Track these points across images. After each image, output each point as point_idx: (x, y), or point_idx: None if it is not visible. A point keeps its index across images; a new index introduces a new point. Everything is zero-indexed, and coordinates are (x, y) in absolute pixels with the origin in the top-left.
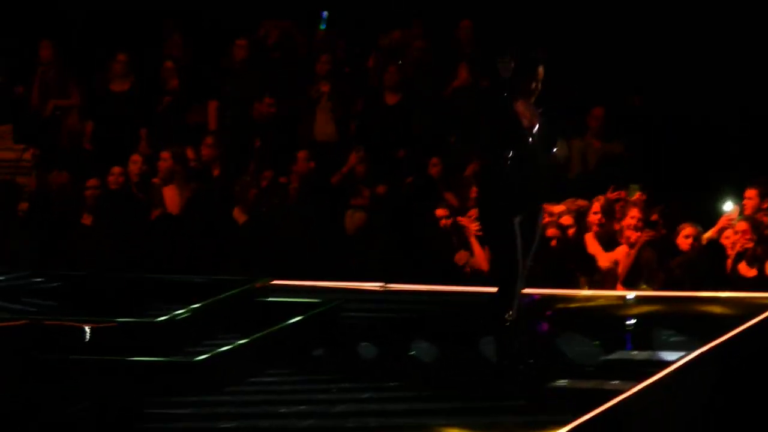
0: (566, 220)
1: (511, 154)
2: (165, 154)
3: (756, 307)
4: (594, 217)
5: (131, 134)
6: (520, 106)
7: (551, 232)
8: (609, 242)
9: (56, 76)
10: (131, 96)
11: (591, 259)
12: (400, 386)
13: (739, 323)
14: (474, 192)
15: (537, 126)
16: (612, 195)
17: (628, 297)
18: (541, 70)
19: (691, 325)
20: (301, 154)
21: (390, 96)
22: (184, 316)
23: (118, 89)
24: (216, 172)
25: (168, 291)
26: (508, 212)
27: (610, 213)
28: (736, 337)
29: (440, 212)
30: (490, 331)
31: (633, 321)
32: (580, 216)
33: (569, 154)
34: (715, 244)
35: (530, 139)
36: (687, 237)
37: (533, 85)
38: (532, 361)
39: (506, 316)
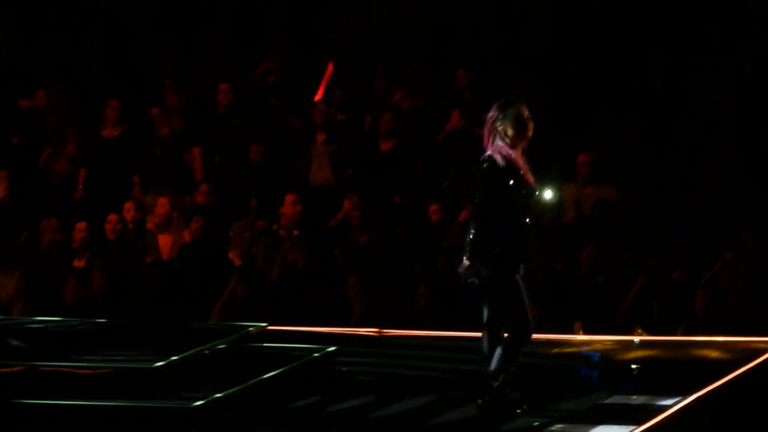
0: (558, 263)
1: (527, 219)
2: (162, 200)
3: (753, 351)
4: (585, 260)
5: (124, 180)
6: (519, 161)
7: (543, 275)
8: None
9: (54, 123)
10: (124, 142)
11: (587, 303)
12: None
13: (735, 367)
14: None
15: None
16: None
17: (635, 341)
18: (524, 108)
19: (687, 369)
20: (289, 197)
21: (384, 143)
22: (180, 361)
23: (109, 135)
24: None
25: (163, 336)
26: (523, 273)
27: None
28: (732, 381)
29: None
30: (489, 376)
31: (636, 366)
32: (571, 259)
33: (561, 200)
34: (714, 287)
35: (534, 198)
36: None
37: (527, 132)
38: (526, 406)
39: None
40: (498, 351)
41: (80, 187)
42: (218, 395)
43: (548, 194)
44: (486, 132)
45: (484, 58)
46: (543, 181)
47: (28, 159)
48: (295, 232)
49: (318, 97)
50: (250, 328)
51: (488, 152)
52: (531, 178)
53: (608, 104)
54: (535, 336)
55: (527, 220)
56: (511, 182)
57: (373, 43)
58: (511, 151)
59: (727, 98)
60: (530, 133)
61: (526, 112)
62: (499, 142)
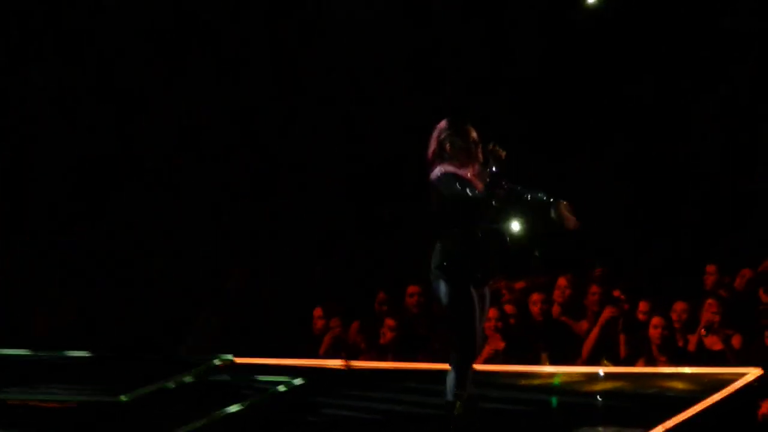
0: (527, 295)
1: (479, 226)
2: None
3: (719, 383)
4: (558, 293)
5: None
6: (471, 175)
7: (511, 308)
8: (574, 318)
9: None
10: None
11: (553, 335)
12: None
13: (701, 399)
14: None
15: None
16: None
17: (600, 373)
18: (470, 129)
19: (653, 400)
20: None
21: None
22: (147, 394)
23: None
24: None
25: (128, 369)
26: (476, 283)
27: (574, 288)
28: (698, 412)
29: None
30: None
31: (600, 398)
32: (542, 292)
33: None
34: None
35: (491, 210)
36: (644, 314)
37: (477, 149)
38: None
39: (461, 392)
40: (449, 377)
41: None
42: (184, 428)
43: (515, 226)
44: (433, 143)
45: (472, 79)
46: (514, 214)
47: None
48: None
49: None
50: (217, 361)
51: (437, 169)
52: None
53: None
54: (501, 367)
55: (480, 232)
56: (464, 194)
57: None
58: (459, 171)
59: (714, 121)
60: (480, 157)
61: (474, 135)
62: (445, 163)
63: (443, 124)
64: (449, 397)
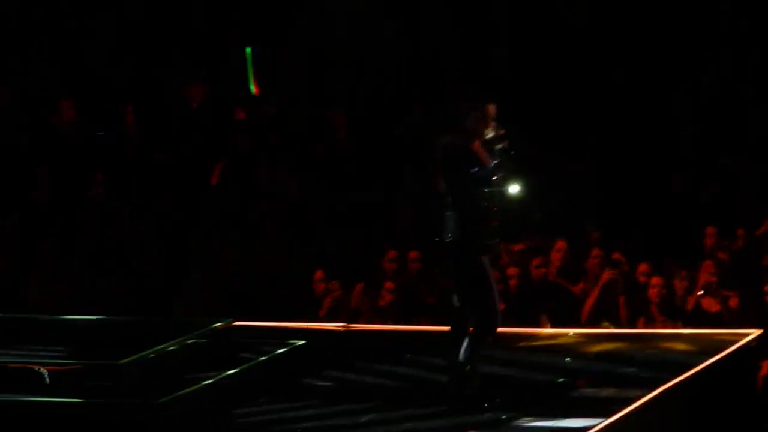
0: (527, 258)
1: (483, 194)
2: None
3: (718, 344)
4: (557, 255)
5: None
6: (478, 148)
7: (512, 270)
8: (571, 280)
9: None
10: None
11: (553, 298)
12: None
13: (701, 360)
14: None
15: (494, 165)
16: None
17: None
18: (492, 108)
19: (653, 361)
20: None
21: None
22: (147, 357)
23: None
24: None
25: (129, 333)
26: (487, 251)
27: (572, 251)
28: (698, 373)
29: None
30: (452, 370)
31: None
32: (541, 254)
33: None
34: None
35: (494, 173)
36: (644, 275)
37: (489, 124)
38: (498, 399)
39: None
40: (465, 342)
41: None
42: (185, 391)
43: (514, 189)
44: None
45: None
46: (510, 176)
47: None
48: None
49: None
50: (217, 324)
51: (448, 139)
52: (488, 161)
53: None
54: (501, 330)
55: (487, 200)
56: (469, 168)
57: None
58: (470, 143)
59: (687, 114)
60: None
61: (493, 113)
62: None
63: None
64: (461, 358)
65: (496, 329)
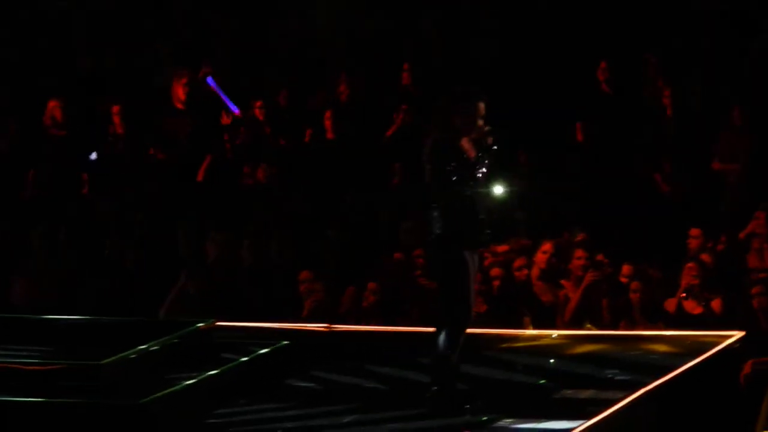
0: (511, 259)
1: (467, 191)
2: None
3: (701, 345)
4: (542, 257)
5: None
6: (465, 143)
7: (495, 271)
8: (554, 282)
9: None
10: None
11: (536, 299)
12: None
13: (684, 362)
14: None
15: (482, 155)
16: (558, 240)
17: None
18: (482, 106)
19: (636, 363)
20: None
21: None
22: (130, 357)
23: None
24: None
25: (111, 333)
26: (469, 247)
27: (557, 253)
28: (680, 375)
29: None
30: (433, 370)
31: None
32: (525, 256)
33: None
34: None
35: (479, 176)
36: (627, 277)
37: (478, 122)
38: (479, 401)
39: (452, 353)
40: (440, 339)
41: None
42: (166, 391)
43: (498, 189)
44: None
45: (431, 69)
46: (494, 177)
47: None
48: None
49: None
50: (199, 324)
51: (434, 137)
52: (473, 154)
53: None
54: (484, 331)
55: (471, 197)
56: (454, 163)
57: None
58: (456, 141)
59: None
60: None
61: (483, 110)
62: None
63: (456, 95)
64: (441, 349)
65: (466, 324)
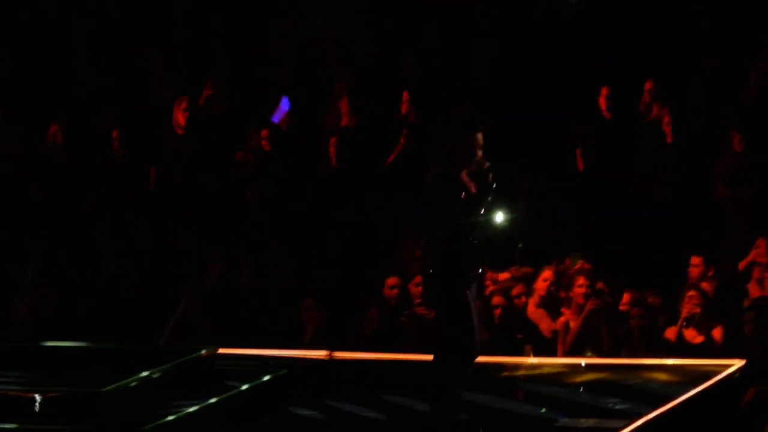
0: (511, 287)
1: (468, 224)
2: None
3: (702, 374)
4: (542, 285)
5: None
6: (465, 177)
7: (497, 300)
8: (553, 310)
9: None
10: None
11: (537, 327)
12: None
13: (684, 390)
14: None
15: (483, 189)
16: (558, 267)
17: (582, 364)
18: (480, 137)
19: (636, 392)
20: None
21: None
22: (130, 385)
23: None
24: None
25: (112, 359)
26: (469, 280)
27: (558, 281)
28: (681, 404)
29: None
30: (434, 400)
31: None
32: (526, 283)
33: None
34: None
35: (480, 203)
36: (627, 305)
37: (477, 153)
38: (480, 430)
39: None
40: (441, 368)
41: None
42: (167, 419)
43: (499, 217)
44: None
45: (430, 83)
46: (494, 205)
47: None
48: None
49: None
50: (202, 351)
51: (435, 168)
52: (474, 190)
53: (554, 128)
54: (485, 359)
55: (471, 230)
56: (454, 198)
57: (320, 67)
58: (457, 173)
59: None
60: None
61: (481, 141)
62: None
63: (454, 123)
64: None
65: (474, 356)
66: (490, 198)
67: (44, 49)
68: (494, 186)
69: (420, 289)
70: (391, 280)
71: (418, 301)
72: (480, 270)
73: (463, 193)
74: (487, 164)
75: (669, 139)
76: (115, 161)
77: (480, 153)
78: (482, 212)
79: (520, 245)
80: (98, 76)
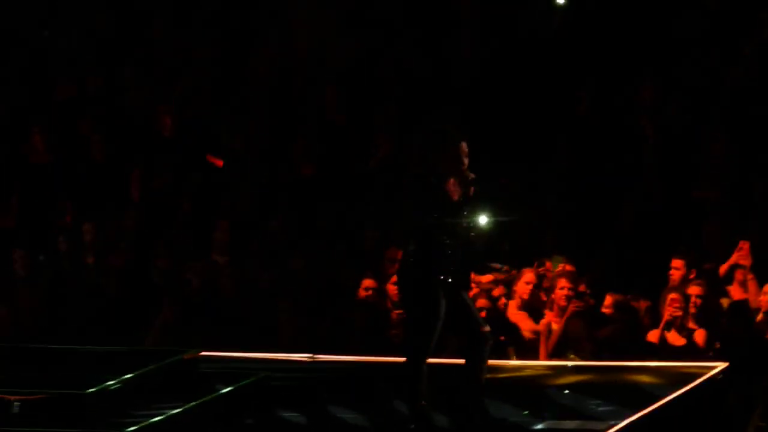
0: (495, 290)
1: (444, 227)
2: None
3: (685, 376)
4: (525, 287)
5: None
6: (450, 185)
7: (480, 302)
8: (534, 312)
9: None
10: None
11: (518, 329)
12: None
13: (667, 392)
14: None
15: (464, 199)
16: (539, 270)
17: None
18: (464, 145)
19: (619, 394)
20: (223, 224)
21: (306, 168)
22: (113, 387)
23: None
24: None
25: (95, 362)
26: (441, 281)
27: (539, 283)
28: (664, 406)
29: (367, 283)
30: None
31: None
32: (508, 286)
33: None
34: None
35: (461, 212)
36: (607, 307)
37: (464, 162)
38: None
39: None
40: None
41: None
42: (152, 421)
43: (483, 219)
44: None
45: (412, 88)
46: (478, 208)
47: None
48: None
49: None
50: (183, 354)
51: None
52: (456, 197)
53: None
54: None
55: (446, 234)
56: (434, 204)
57: (299, 74)
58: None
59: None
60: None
61: (466, 150)
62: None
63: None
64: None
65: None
66: (468, 209)
67: (24, 55)
68: (475, 197)
69: (394, 289)
70: (367, 282)
71: (390, 304)
72: (450, 278)
73: (443, 200)
74: (472, 175)
75: (650, 141)
76: (96, 166)
77: (466, 161)
78: (462, 219)
79: (505, 247)
80: (78, 82)
